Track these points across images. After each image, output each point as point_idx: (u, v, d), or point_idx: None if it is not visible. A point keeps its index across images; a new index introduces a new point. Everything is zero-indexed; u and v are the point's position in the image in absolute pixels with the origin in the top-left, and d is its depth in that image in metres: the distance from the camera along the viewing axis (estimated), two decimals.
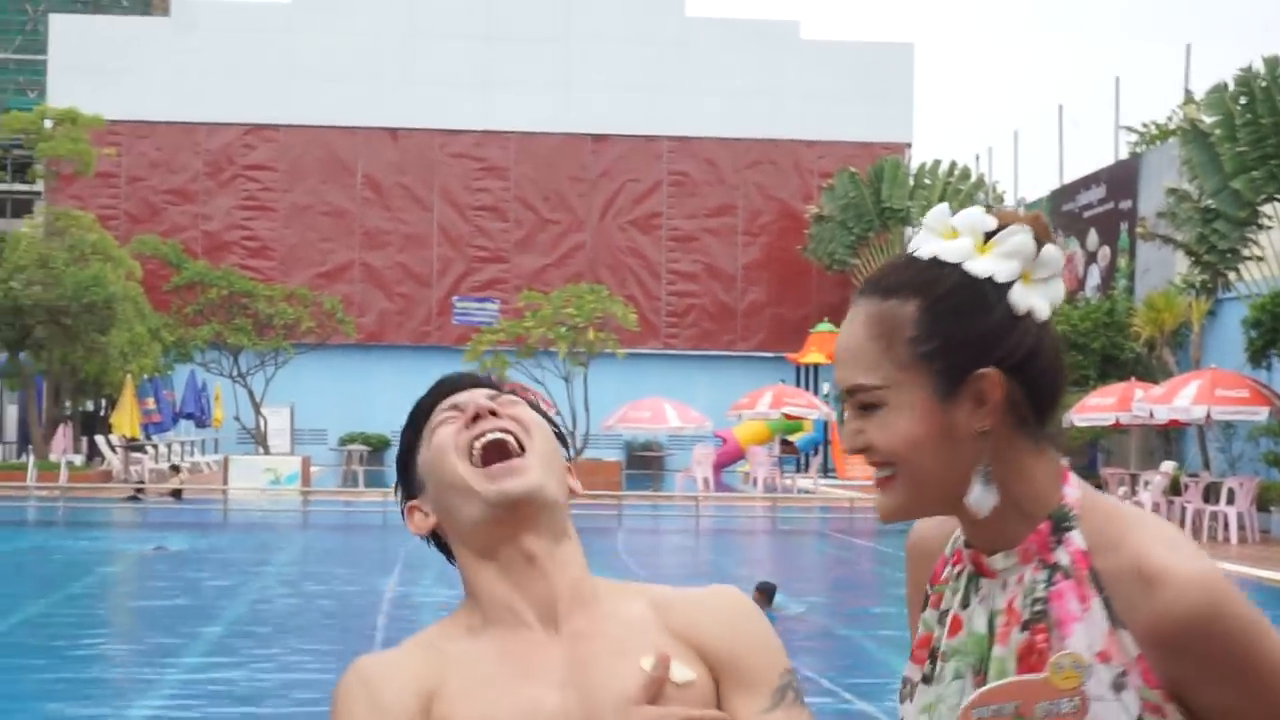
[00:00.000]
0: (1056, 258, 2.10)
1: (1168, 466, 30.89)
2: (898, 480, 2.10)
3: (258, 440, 45.59)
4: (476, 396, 2.40)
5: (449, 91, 54.20)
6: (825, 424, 45.67)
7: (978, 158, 53.16)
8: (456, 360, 44.06)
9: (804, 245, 52.83)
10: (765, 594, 15.15)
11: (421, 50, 54.41)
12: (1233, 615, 1.97)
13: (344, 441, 50.06)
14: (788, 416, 41.69)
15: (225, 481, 34.14)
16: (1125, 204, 39.34)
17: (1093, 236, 41.33)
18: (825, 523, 30.44)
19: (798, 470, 45.52)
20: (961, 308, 2.07)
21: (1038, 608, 2.05)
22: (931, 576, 2.26)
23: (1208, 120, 30.13)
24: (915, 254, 2.14)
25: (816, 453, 47.06)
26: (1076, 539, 2.07)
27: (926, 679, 2.18)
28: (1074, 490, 2.12)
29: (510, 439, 2.34)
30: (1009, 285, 2.08)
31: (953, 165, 51.24)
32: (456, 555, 2.39)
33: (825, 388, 48.09)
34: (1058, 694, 1.96)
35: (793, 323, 53.67)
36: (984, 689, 2.03)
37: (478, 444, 2.34)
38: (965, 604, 2.16)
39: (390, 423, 53.63)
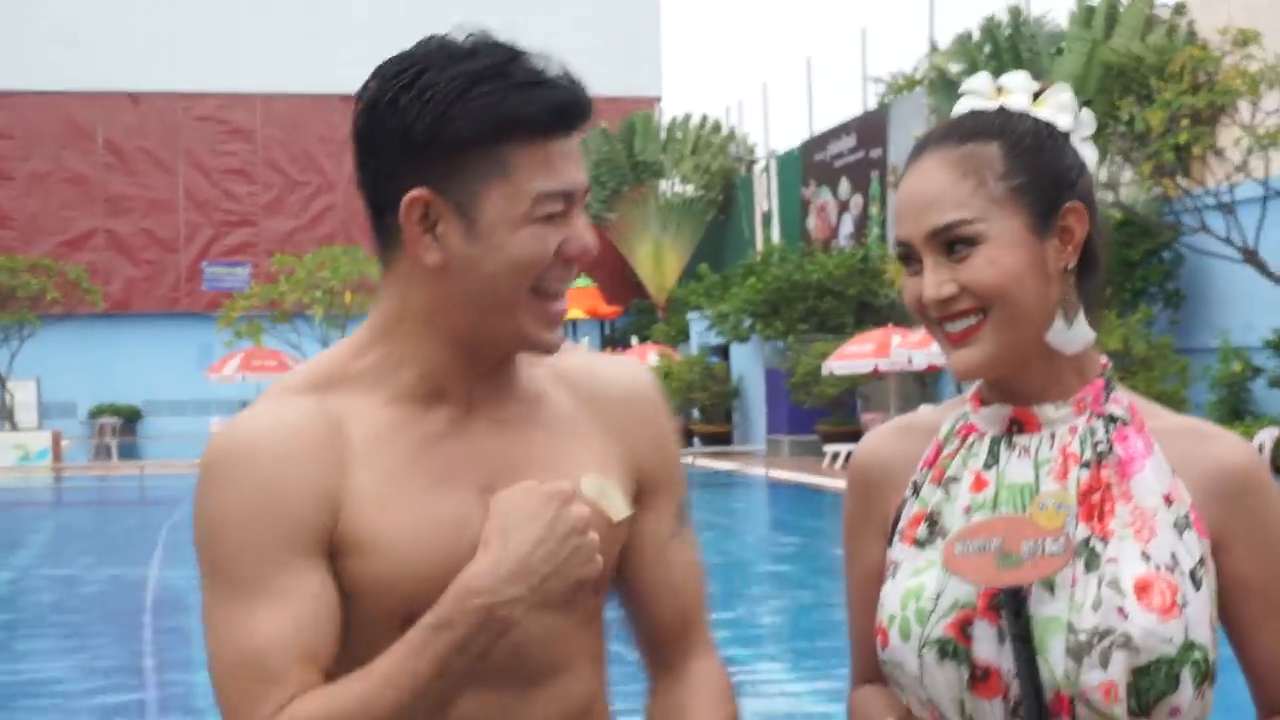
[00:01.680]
0: (1090, 120, 2.18)
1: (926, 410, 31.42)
2: (989, 325, 2.08)
3: (3, 416, 44.26)
4: (581, 185, 2.06)
5: (190, 54, 53.09)
6: None
7: (728, 110, 53.50)
8: (209, 326, 43.28)
9: None
10: None
11: (162, 10, 53.18)
12: (1269, 475, 2.10)
13: (94, 414, 48.95)
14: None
15: None
16: (875, 153, 39.82)
17: (844, 185, 41.80)
18: None
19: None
20: (1043, 146, 2.12)
21: (1100, 448, 2.10)
22: (927, 459, 2.21)
23: (954, 69, 30.58)
24: (974, 108, 2.18)
25: None
26: (1125, 395, 2.17)
27: (921, 543, 2.14)
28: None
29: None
30: (1068, 134, 2.15)
31: (704, 119, 51.56)
32: (410, 304, 2.08)
33: (584, 342, 48.04)
34: (1042, 533, 1.97)
35: None
36: (968, 524, 2.05)
37: (558, 287, 2.06)
38: (989, 465, 2.15)
39: (141, 392, 52.62)
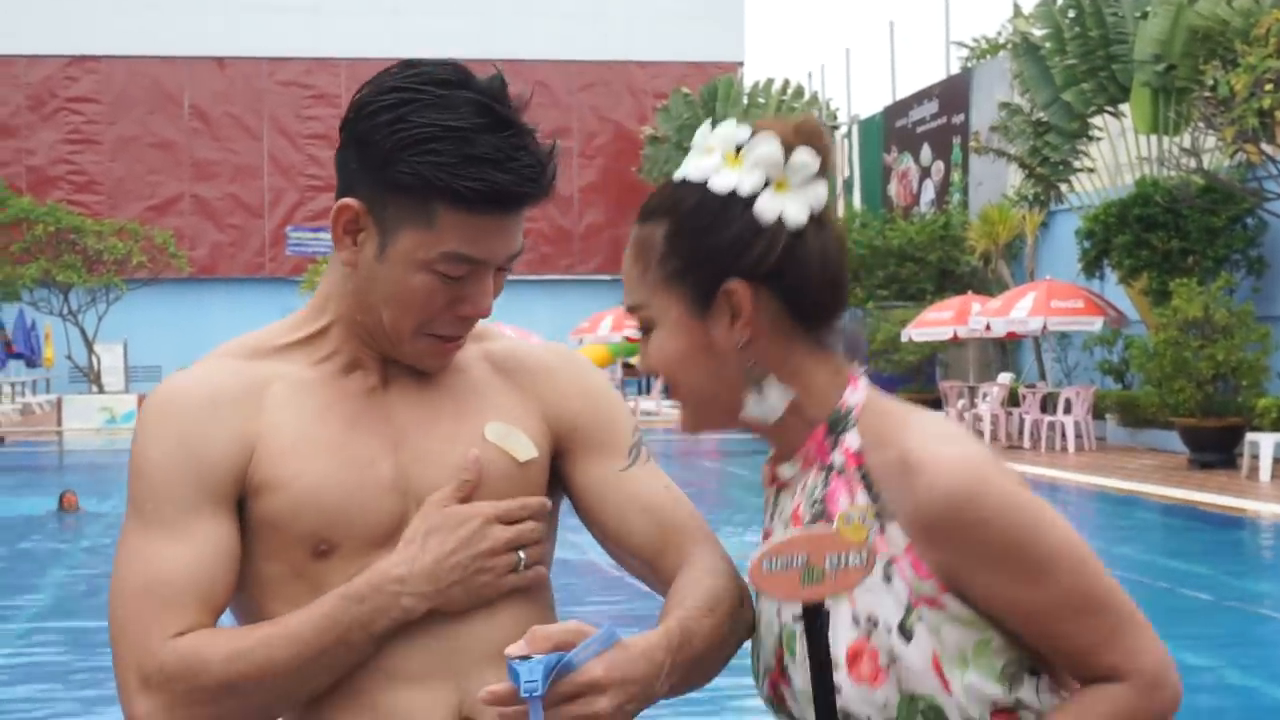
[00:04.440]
0: (806, 162, 2.07)
1: (1005, 378, 31.28)
2: (679, 396, 2.14)
3: (91, 379, 44.77)
4: (500, 256, 2.23)
5: (275, 18, 53.36)
6: None
7: (810, 76, 53.36)
8: (292, 291, 43.59)
9: (639, 166, 52.72)
10: None
11: None
12: (994, 499, 1.95)
13: None
14: (629, 340, 41.65)
15: (59, 423, 33.42)
16: (958, 119, 39.59)
17: (926, 151, 41.59)
18: (669, 445, 30.47)
19: (640, 393, 45.56)
20: (701, 224, 2.07)
21: (816, 509, 2.06)
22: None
23: (1038, 34, 30.32)
24: (674, 176, 2.14)
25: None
26: (851, 439, 2.07)
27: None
28: (856, 394, 2.11)
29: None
30: (754, 197, 2.06)
31: (786, 83, 51.34)
32: (335, 290, 2.31)
33: None
34: (846, 546, 1.97)
35: None
36: (773, 541, 2.05)
37: (449, 333, 2.26)
38: (773, 517, 2.18)
39: None
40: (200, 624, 2.13)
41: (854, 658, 1.98)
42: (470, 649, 2.20)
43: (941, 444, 1.99)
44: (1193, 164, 24.54)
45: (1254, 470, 21.34)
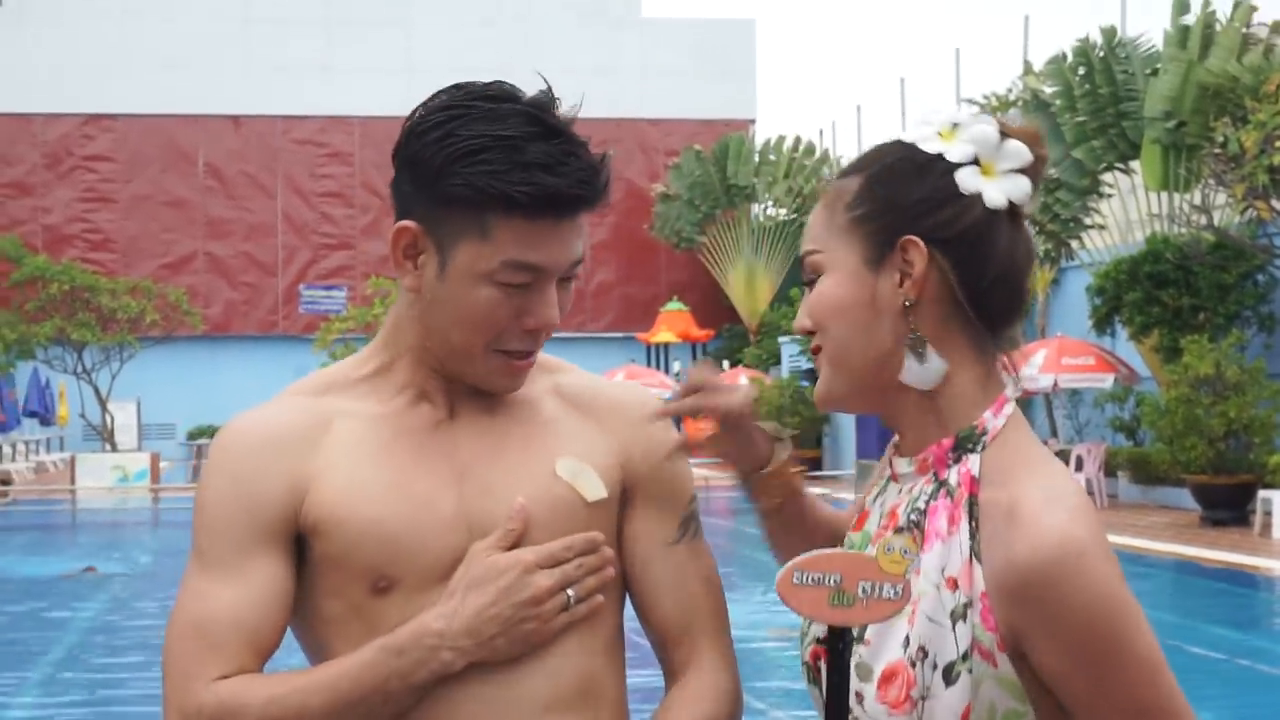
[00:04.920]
0: (1019, 151, 2.07)
1: None
2: (822, 356, 2.10)
3: (104, 437, 44.78)
4: (561, 264, 2.23)
5: (290, 77, 53.57)
6: None
7: (821, 132, 53.35)
8: (305, 349, 43.61)
9: (651, 224, 52.77)
10: None
11: (261, 36, 53.69)
12: (1086, 583, 1.90)
13: (193, 435, 49.37)
14: None
15: (73, 481, 33.44)
16: None
17: None
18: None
19: None
20: (897, 175, 2.06)
21: (915, 517, 2.04)
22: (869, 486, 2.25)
23: (1048, 90, 30.42)
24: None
25: None
26: (973, 463, 2.02)
27: None
28: (996, 419, 2.05)
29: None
30: (958, 165, 2.05)
31: (797, 140, 51.43)
32: (403, 319, 2.30)
33: (675, 366, 48.10)
34: (882, 576, 1.90)
35: (642, 302, 53.64)
36: (810, 554, 1.96)
37: (519, 348, 2.25)
38: (875, 499, 2.17)
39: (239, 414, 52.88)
40: (245, 667, 2.14)
41: (888, 677, 1.96)
42: (523, 697, 2.18)
43: (1055, 505, 1.94)
44: (1203, 221, 24.56)
45: (1266, 527, 21.29)
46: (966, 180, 2.05)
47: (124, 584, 18.87)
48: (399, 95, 53.30)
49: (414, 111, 2.29)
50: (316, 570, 2.21)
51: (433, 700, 2.16)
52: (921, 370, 2.06)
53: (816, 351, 2.12)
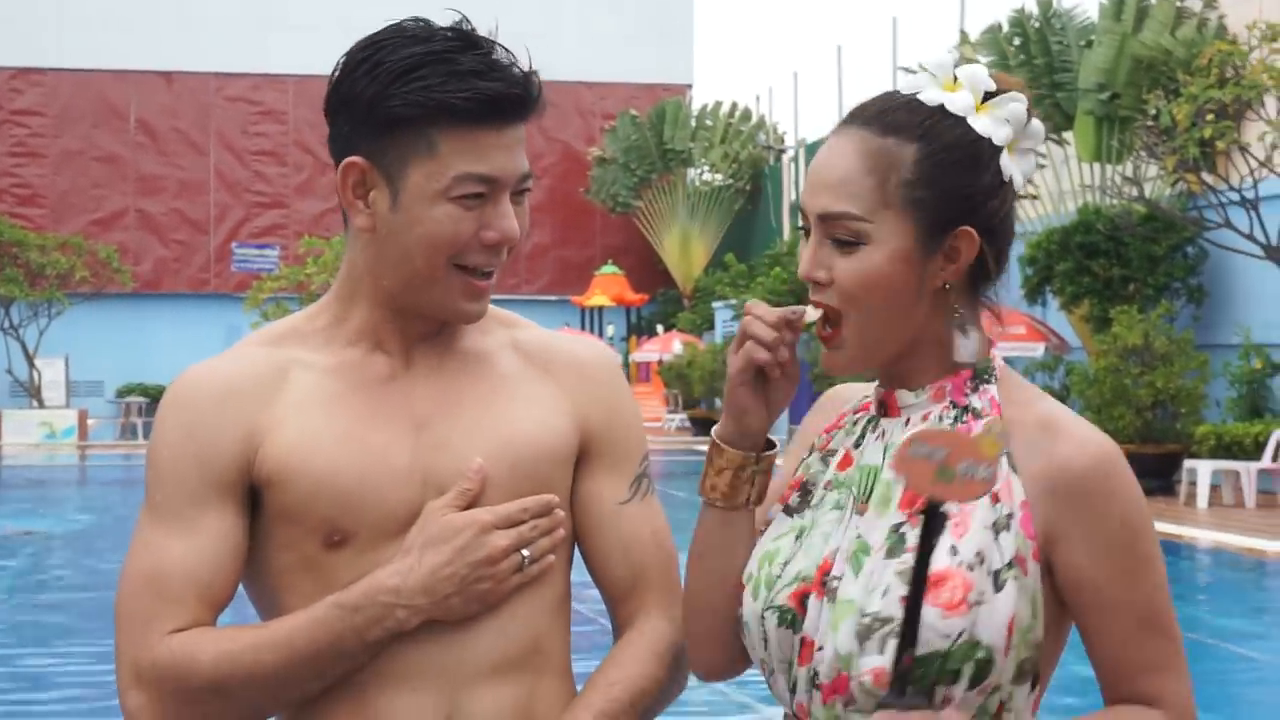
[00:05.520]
0: (1038, 130, 2.13)
1: None
2: (848, 328, 2.10)
3: (31, 393, 44.41)
4: (510, 174, 2.20)
5: (224, 34, 53.17)
6: None
7: (758, 98, 53.48)
8: (236, 308, 43.40)
9: (587, 188, 52.75)
10: None
11: None
12: (1126, 486, 2.03)
13: (121, 393, 49.02)
14: None
15: None
16: None
17: None
18: None
19: None
20: (958, 161, 2.08)
21: None
22: (828, 426, 2.26)
23: (983, 61, 30.50)
24: (917, 96, 2.11)
25: None
26: (993, 390, 2.12)
27: (790, 510, 2.18)
28: (998, 356, 2.18)
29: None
30: (1000, 150, 2.09)
31: (734, 106, 51.51)
32: (355, 266, 2.27)
33: (610, 329, 48.16)
34: (980, 457, 1.92)
35: (577, 265, 53.63)
36: (926, 429, 2.04)
37: (480, 263, 2.21)
38: (858, 444, 2.18)
39: (169, 372, 52.66)
40: (199, 620, 2.13)
41: (938, 582, 1.97)
42: (468, 656, 2.19)
43: (1081, 420, 2.08)
44: (1135, 192, 24.71)
45: (1191, 497, 21.50)
46: (1006, 164, 2.10)
47: (47, 542, 18.75)
48: (333, 54, 52.69)
49: (337, 63, 2.27)
50: (270, 523, 2.19)
51: (384, 657, 2.17)
52: (968, 344, 2.13)
53: (834, 333, 2.12)
